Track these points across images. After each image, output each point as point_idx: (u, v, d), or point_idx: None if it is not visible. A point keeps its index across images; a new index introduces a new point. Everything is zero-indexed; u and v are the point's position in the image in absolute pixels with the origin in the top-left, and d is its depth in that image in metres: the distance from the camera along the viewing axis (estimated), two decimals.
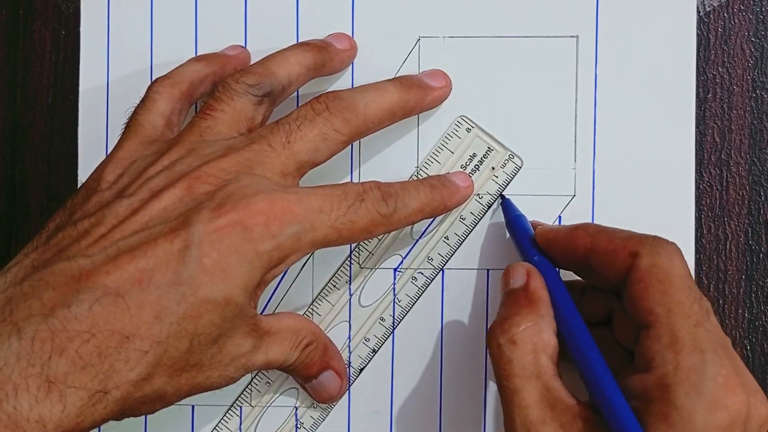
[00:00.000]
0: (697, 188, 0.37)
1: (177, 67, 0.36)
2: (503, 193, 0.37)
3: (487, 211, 0.37)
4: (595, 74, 0.37)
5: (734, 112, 0.37)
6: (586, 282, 0.34)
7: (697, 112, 0.37)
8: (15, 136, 0.39)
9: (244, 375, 0.32)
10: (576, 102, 0.37)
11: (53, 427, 0.27)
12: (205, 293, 0.29)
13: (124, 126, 0.34)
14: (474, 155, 0.37)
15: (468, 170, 0.37)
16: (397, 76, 0.36)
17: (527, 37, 0.37)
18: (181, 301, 0.29)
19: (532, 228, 0.35)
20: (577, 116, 0.37)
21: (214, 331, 0.30)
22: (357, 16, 0.38)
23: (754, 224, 0.37)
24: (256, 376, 0.38)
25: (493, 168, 0.37)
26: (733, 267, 0.37)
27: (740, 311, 0.37)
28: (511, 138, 0.37)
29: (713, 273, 0.37)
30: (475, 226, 0.37)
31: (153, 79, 0.35)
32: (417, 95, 0.35)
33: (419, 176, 0.37)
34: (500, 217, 0.37)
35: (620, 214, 0.37)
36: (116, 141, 0.34)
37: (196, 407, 0.38)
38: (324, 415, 0.38)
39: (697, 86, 0.37)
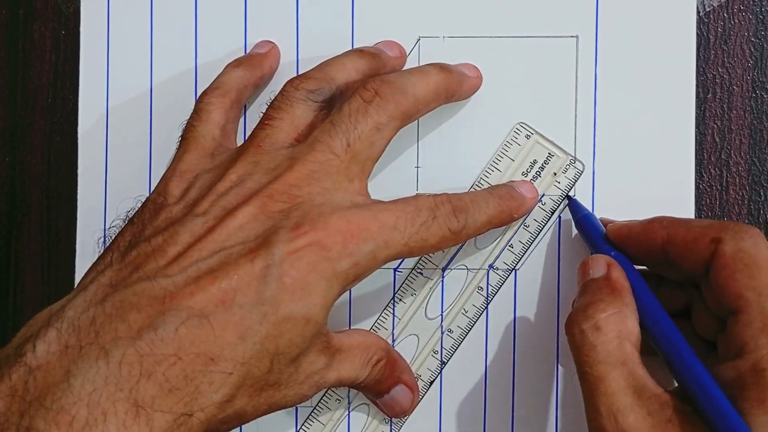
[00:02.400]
0: (697, 188, 0.37)
1: (220, 77, 0.36)
2: (568, 194, 0.37)
3: (550, 217, 0.37)
4: (595, 74, 0.37)
5: (734, 112, 0.37)
6: (662, 275, 0.34)
7: (696, 113, 0.37)
8: (15, 135, 0.39)
9: (316, 393, 0.32)
10: (576, 102, 0.37)
11: None
12: (286, 312, 0.29)
13: (180, 139, 0.34)
14: (535, 162, 0.37)
15: (529, 177, 0.37)
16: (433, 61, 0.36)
17: (527, 37, 0.37)
18: (264, 321, 0.28)
19: (602, 225, 0.35)
20: (577, 116, 0.37)
21: (294, 351, 0.29)
22: (357, 16, 0.38)
23: (753, 224, 0.37)
24: (326, 394, 0.38)
25: (555, 173, 0.37)
26: None
27: None
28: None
29: None
30: (539, 233, 0.37)
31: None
32: (456, 79, 0.35)
33: (479, 186, 0.37)
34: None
35: (620, 214, 0.37)
36: (175, 154, 0.34)
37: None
38: (396, 429, 0.38)
39: (697, 86, 0.37)
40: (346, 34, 0.38)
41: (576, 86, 0.37)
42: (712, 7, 0.37)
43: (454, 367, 0.37)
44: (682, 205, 0.37)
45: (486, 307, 0.37)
